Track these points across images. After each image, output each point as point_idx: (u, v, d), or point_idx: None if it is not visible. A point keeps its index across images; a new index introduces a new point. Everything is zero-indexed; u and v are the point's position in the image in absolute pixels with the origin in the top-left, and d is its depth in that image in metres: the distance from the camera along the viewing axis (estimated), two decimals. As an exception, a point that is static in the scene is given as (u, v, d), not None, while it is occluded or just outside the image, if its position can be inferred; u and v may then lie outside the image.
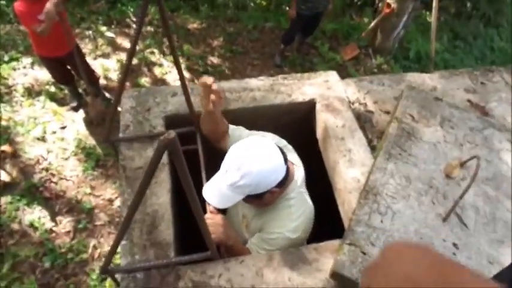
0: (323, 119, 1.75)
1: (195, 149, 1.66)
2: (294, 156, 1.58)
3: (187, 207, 1.05)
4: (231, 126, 1.60)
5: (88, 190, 3.31)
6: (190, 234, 1.52)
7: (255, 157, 1.30)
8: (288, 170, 1.39)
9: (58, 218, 3.16)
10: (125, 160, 1.54)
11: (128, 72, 1.33)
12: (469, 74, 2.15)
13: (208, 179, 1.57)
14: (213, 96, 1.36)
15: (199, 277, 1.28)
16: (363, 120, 1.83)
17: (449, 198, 1.49)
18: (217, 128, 1.54)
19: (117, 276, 1.31)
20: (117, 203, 3.24)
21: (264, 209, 1.50)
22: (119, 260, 1.35)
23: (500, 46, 5.89)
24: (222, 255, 1.37)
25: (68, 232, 3.16)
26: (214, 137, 1.59)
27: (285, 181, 1.39)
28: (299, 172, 1.53)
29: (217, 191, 1.36)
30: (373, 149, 1.70)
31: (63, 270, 3.01)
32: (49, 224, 3.12)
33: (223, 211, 1.44)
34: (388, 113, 1.86)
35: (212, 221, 1.34)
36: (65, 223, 3.18)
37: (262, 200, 1.40)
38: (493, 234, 1.43)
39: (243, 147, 1.35)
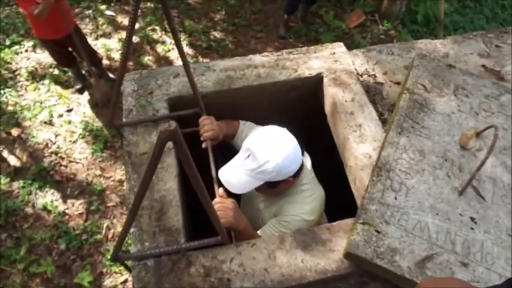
0: (331, 93, 1.69)
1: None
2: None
3: (195, 192, 1.02)
4: (241, 122, 1.68)
5: (98, 172, 3.32)
6: (200, 220, 1.50)
7: (280, 144, 1.35)
8: (302, 161, 1.43)
9: (70, 201, 3.19)
10: (129, 146, 1.51)
11: (128, 54, 1.28)
12: (482, 37, 2.05)
13: (215, 160, 1.54)
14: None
15: (210, 262, 1.27)
16: (373, 92, 1.76)
17: (465, 170, 1.44)
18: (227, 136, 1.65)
19: (128, 263, 1.30)
20: (127, 184, 3.26)
21: (276, 198, 1.52)
22: (130, 247, 1.34)
23: None
24: (233, 240, 1.35)
25: (81, 214, 3.19)
26: (227, 139, 1.68)
27: (300, 171, 1.44)
28: (307, 160, 1.57)
29: (235, 175, 1.38)
30: (384, 122, 1.64)
31: (78, 252, 3.06)
32: (62, 207, 3.15)
33: (233, 196, 1.42)
34: (398, 84, 1.79)
35: (222, 205, 1.32)
36: (77, 205, 3.21)
37: (276, 189, 1.42)
38: (512, 206, 1.38)
39: (267, 134, 1.38)
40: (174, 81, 1.69)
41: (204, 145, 1.51)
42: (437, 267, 1.21)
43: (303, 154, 1.44)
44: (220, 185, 1.41)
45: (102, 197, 3.26)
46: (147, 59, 3.98)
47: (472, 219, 1.33)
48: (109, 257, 2.98)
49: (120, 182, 3.29)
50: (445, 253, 1.24)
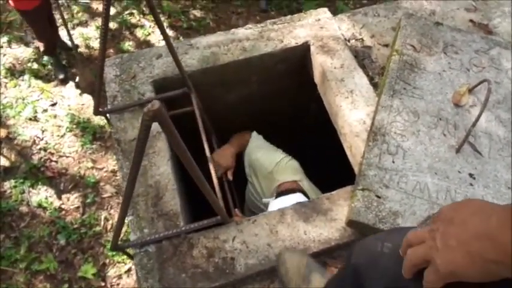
0: (319, 61, 1.65)
1: (191, 110, 1.58)
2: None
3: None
4: (253, 136, 1.90)
5: (90, 164, 3.27)
6: (202, 201, 1.48)
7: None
8: None
9: (65, 196, 3.15)
10: (117, 133, 1.47)
11: (106, 40, 1.22)
12: (468, -10, 2.00)
13: (208, 140, 1.52)
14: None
15: (212, 243, 1.26)
16: (361, 57, 1.72)
17: (460, 127, 1.42)
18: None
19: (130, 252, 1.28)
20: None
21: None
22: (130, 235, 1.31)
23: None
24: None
25: (77, 208, 3.16)
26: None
27: None
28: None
29: None
30: (375, 86, 1.61)
31: (79, 245, 3.04)
32: (57, 203, 3.11)
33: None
34: (387, 46, 1.75)
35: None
36: (73, 199, 3.17)
37: None
38: (509, 158, 1.37)
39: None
40: (157, 63, 1.63)
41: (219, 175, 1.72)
42: (440, 226, 1.21)
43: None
44: (235, 205, 1.68)
45: (96, 189, 3.22)
46: (128, 45, 3.87)
47: (471, 175, 1.32)
48: (108, 246, 2.97)
49: (113, 172, 3.24)
50: (447, 211, 1.24)
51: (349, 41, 1.76)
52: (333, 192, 1.36)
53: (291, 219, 1.30)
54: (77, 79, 3.46)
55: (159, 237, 1.24)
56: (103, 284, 2.98)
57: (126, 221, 1.24)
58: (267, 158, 1.77)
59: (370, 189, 1.26)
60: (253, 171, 1.82)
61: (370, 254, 0.71)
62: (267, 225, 1.29)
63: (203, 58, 1.64)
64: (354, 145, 1.47)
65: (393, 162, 1.32)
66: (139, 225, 1.29)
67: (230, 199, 1.63)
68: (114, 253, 2.92)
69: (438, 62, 1.58)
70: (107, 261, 2.96)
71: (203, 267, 1.21)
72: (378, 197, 1.25)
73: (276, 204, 1.57)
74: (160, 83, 1.59)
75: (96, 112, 1.48)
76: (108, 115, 1.52)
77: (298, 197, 1.58)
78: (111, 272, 2.94)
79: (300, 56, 1.74)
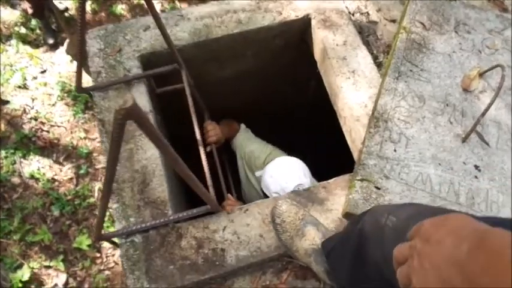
0: (321, 37, 1.53)
1: (181, 87, 1.48)
2: None
3: (182, 155, 0.92)
4: (242, 127, 1.89)
5: (82, 134, 3.19)
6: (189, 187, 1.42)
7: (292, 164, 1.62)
8: None
9: (58, 167, 3.09)
10: (101, 113, 1.37)
11: (85, 8, 1.11)
12: (484, -39, 1.85)
13: (200, 119, 1.44)
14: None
15: (202, 233, 1.20)
16: (366, 33, 1.60)
17: (468, 115, 1.33)
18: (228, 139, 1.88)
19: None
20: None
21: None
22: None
23: None
24: (224, 208, 1.27)
25: (71, 179, 3.10)
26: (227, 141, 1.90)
27: None
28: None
29: None
30: (379, 66, 1.51)
31: (73, 216, 3.01)
32: (50, 173, 3.05)
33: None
34: (394, 21, 1.63)
35: (232, 207, 1.35)
36: (66, 170, 3.11)
37: None
38: (517, 149, 1.30)
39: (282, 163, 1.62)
40: (145, 35, 1.51)
41: (208, 148, 1.63)
42: (441, 221, 1.15)
43: None
44: (229, 189, 1.66)
45: (90, 160, 3.16)
46: (121, 8, 3.69)
47: (476, 167, 1.25)
48: (105, 218, 2.93)
49: (107, 143, 3.17)
50: (449, 205, 1.17)
51: (353, 14, 1.64)
52: (329, 181, 1.29)
53: (284, 209, 1.23)
54: (65, 45, 3.31)
55: (146, 226, 1.18)
56: (98, 254, 2.97)
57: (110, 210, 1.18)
58: (260, 150, 1.80)
59: (369, 180, 1.19)
60: (247, 163, 1.82)
61: (375, 223, 0.76)
62: (259, 214, 1.23)
63: (195, 31, 1.52)
64: (354, 130, 1.38)
65: (395, 151, 1.24)
66: (125, 214, 1.22)
67: (223, 182, 1.56)
68: (108, 224, 2.90)
69: (448, 42, 1.47)
70: (102, 232, 2.95)
71: (192, 259, 1.16)
72: (378, 188, 1.18)
73: (268, 168, 1.60)
74: (148, 58, 1.48)
75: (79, 89, 1.38)
76: (92, 92, 1.42)
77: (289, 158, 1.63)
78: (106, 243, 2.93)
79: (300, 30, 1.62)
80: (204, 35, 1.51)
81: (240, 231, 1.20)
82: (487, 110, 1.19)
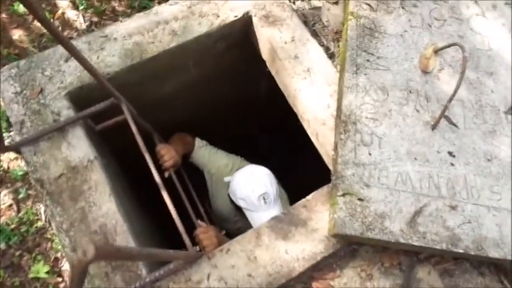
0: (266, 36, 1.39)
1: (124, 119, 1.29)
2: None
3: (144, 193, 0.78)
4: (197, 140, 1.74)
5: (12, 155, 2.84)
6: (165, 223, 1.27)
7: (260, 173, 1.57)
8: None
9: (-8, 197, 2.76)
10: (37, 171, 1.17)
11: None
12: None
13: (147, 144, 1.28)
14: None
15: (185, 286, 1.08)
16: (311, 21, 1.49)
17: (432, 99, 1.29)
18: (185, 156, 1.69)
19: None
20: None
21: None
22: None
23: None
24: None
25: (10, 206, 2.78)
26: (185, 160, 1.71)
27: None
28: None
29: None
30: (332, 57, 1.41)
31: (22, 245, 2.73)
32: (-16, 208, 2.72)
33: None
34: (337, 3, 1.53)
35: (205, 234, 1.31)
36: (2, 198, 2.78)
37: None
38: (484, 125, 1.29)
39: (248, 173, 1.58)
40: (68, 67, 1.29)
41: (166, 174, 1.47)
42: (429, 220, 1.12)
43: None
44: (197, 215, 1.52)
45: (27, 181, 2.84)
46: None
47: (450, 153, 1.22)
48: (57, 240, 2.70)
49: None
50: (433, 201, 1.14)
51: (294, 3, 1.51)
52: (308, 197, 1.21)
53: (268, 240, 1.14)
54: None
55: (120, 295, 1.04)
56: (60, 279, 2.75)
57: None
58: (232, 163, 1.73)
59: (351, 193, 1.12)
60: (217, 177, 1.72)
61: None
62: (242, 252, 1.13)
63: (125, 52, 1.32)
64: (321, 134, 1.30)
65: (370, 154, 1.18)
66: (93, 285, 1.06)
67: (190, 209, 1.44)
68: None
69: (398, 20, 1.40)
70: (59, 254, 2.70)
71: (180, 319, 1.05)
72: (361, 200, 1.12)
73: (237, 175, 1.57)
74: (77, 95, 1.27)
75: (3, 149, 1.15)
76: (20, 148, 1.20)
77: (257, 166, 1.60)
78: (67, 265, 2.71)
79: (242, 30, 1.47)
80: (138, 55, 1.32)
81: (225, 275, 1.10)
82: (453, 95, 1.15)
